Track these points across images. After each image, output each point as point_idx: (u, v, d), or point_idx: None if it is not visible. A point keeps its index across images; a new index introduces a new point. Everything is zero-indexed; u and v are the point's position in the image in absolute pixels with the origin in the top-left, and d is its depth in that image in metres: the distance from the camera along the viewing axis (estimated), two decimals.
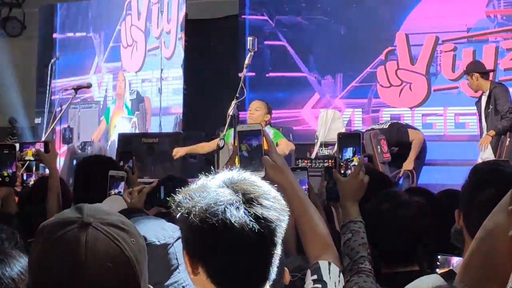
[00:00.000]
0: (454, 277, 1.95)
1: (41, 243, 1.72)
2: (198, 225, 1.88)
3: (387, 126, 9.71)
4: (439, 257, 2.93)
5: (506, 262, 1.85)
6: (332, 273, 2.38)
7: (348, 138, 3.07)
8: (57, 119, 9.35)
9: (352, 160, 2.99)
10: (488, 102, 9.16)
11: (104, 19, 13.60)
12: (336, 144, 8.39)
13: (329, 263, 2.40)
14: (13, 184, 3.77)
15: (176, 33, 12.37)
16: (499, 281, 1.84)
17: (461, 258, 2.72)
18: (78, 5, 13.89)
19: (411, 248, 3.26)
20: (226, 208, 1.87)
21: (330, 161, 8.78)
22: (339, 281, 2.38)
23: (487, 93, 9.20)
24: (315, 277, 2.36)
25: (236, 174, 1.96)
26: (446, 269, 2.92)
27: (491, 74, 9.61)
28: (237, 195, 1.89)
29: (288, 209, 1.97)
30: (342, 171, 3.02)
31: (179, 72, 12.12)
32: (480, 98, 9.42)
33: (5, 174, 3.76)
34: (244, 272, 1.90)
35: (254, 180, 1.96)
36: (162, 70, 12.37)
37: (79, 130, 13.22)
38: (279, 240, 1.93)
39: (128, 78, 13.11)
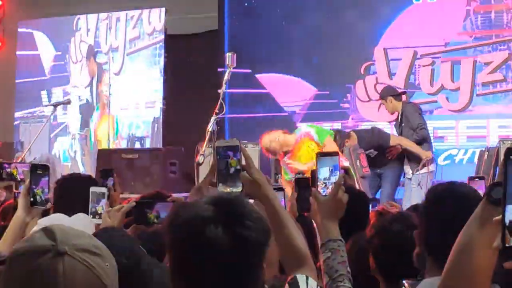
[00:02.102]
0: None
1: (16, 274, 1.68)
2: (177, 239, 1.90)
3: (369, 128, 9.74)
4: (404, 282, 2.91)
5: (485, 274, 1.88)
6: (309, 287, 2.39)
7: (326, 157, 3.06)
8: (36, 135, 9.34)
9: (330, 179, 2.98)
10: (400, 121, 9.42)
11: (53, 37, 13.63)
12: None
13: (307, 277, 2.41)
14: (44, 205, 3.73)
15: (124, 48, 12.59)
16: None
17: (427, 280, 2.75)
18: (36, 23, 13.86)
19: (418, 270, 3.25)
20: (205, 225, 1.87)
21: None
22: None
23: (400, 113, 9.43)
24: None
25: (225, 193, 1.97)
26: None
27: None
28: (218, 213, 1.89)
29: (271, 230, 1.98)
30: (320, 190, 3.02)
31: (131, 86, 12.33)
32: (397, 119, 9.56)
33: (38, 192, 3.71)
34: None
35: (241, 200, 1.96)
36: (110, 85, 12.58)
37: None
38: (259, 261, 1.92)
39: (78, 93, 13.12)
